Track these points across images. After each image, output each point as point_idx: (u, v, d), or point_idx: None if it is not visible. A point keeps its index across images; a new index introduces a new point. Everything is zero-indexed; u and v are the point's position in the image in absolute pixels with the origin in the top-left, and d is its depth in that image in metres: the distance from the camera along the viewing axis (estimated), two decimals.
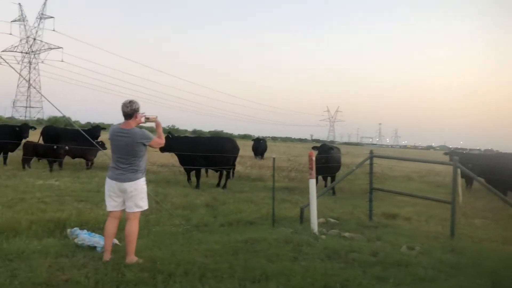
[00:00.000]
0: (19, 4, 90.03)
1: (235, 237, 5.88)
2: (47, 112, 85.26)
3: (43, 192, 8.73)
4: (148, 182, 4.94)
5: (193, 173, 11.96)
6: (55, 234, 5.53)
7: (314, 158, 6.70)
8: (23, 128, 13.73)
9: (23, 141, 13.60)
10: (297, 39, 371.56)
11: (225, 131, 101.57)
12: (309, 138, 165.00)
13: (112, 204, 4.54)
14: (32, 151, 12.97)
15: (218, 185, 11.79)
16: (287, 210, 8.50)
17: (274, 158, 7.47)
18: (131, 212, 4.51)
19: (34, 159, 13.39)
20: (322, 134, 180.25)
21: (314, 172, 6.66)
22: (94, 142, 11.07)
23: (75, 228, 5.50)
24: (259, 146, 23.44)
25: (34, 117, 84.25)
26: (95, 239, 5.04)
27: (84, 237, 5.10)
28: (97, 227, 5.93)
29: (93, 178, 11.33)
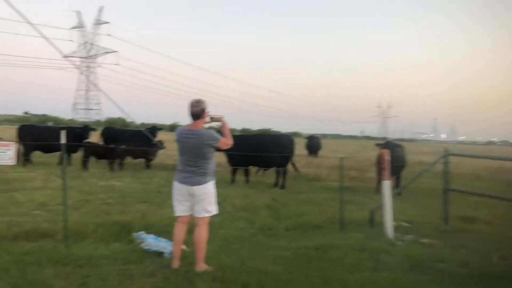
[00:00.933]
0: (78, 11, 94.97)
1: (305, 243, 5.53)
2: (105, 113, 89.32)
3: (106, 193, 8.81)
4: None
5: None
6: (121, 238, 5.42)
7: (387, 158, 6.19)
8: (84, 130, 14.16)
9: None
10: (347, 33, 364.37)
11: (274, 128, 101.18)
12: (359, 134, 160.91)
13: (180, 208, 4.33)
14: (92, 152, 13.31)
15: (275, 185, 11.48)
16: (352, 212, 8.00)
17: (342, 158, 7.03)
18: (200, 217, 4.29)
19: (91, 161, 13.73)
20: (374, 131, 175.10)
21: (388, 172, 6.15)
22: (155, 142, 11.21)
23: (140, 232, 5.38)
24: (313, 144, 22.91)
25: (93, 118, 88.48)
26: (162, 244, 4.87)
27: (151, 242, 4.95)
28: (162, 231, 5.78)
29: (153, 178, 11.40)
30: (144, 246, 4.90)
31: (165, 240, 5.07)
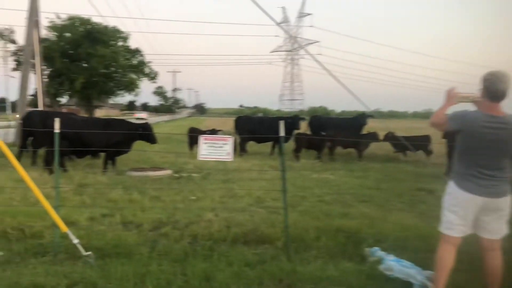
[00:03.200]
0: (283, 7, 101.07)
1: None
2: (307, 103, 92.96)
3: (321, 188, 8.05)
4: None
5: None
6: (349, 252, 4.35)
7: None
8: (295, 120, 13.91)
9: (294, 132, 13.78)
10: None
11: None
12: None
13: (463, 229, 3.12)
14: (303, 142, 12.87)
15: None
16: None
17: None
18: (498, 239, 3.15)
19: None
20: None
21: None
22: (370, 132, 10.07)
23: (375, 248, 4.23)
24: None
25: (297, 108, 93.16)
26: (409, 271, 3.61)
27: (392, 265, 3.74)
28: (398, 246, 4.51)
29: (368, 171, 10.19)
30: (384, 269, 3.74)
31: (410, 264, 3.79)
